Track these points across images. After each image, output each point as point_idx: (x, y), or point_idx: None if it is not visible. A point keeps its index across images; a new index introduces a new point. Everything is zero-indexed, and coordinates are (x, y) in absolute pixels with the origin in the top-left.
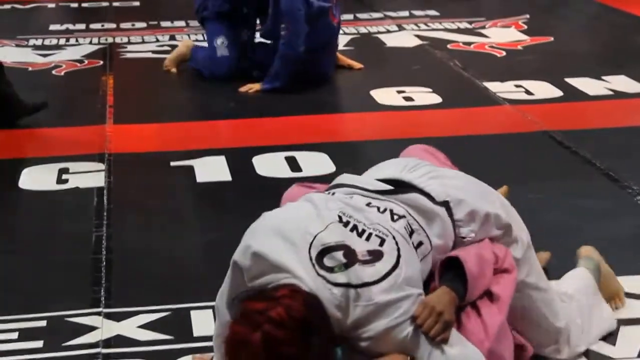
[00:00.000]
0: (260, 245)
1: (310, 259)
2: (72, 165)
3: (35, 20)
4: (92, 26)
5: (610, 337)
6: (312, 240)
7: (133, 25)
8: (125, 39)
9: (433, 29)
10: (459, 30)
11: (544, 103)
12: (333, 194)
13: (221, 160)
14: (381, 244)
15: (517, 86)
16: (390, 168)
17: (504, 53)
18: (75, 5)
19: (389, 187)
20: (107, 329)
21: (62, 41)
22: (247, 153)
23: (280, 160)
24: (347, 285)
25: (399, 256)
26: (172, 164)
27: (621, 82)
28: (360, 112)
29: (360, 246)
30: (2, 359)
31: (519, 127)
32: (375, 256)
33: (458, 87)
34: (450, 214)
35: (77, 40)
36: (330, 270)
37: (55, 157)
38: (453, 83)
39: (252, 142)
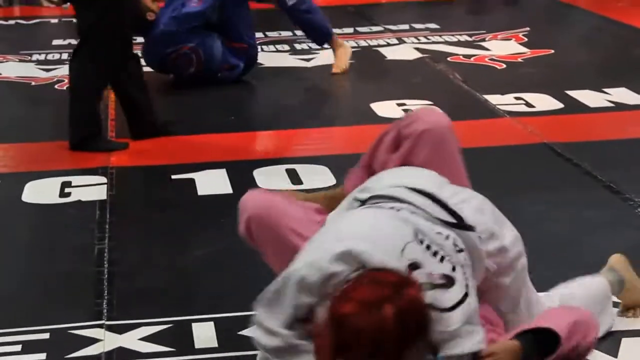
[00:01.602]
0: (357, 246)
1: (406, 268)
2: (75, 179)
3: (38, 36)
4: None
5: (612, 349)
6: (401, 253)
7: (134, 40)
8: None
9: (433, 42)
10: (459, 43)
11: (544, 115)
12: (398, 210)
13: (222, 173)
14: (453, 270)
15: (517, 98)
16: (421, 178)
17: (504, 65)
18: None
19: (450, 219)
20: (109, 341)
21: (65, 56)
22: (248, 166)
23: (281, 173)
24: (431, 307)
25: (467, 285)
26: (174, 177)
27: (622, 94)
28: (360, 125)
29: (436, 268)
30: None
31: (519, 139)
32: (449, 281)
33: (458, 100)
34: None
35: None
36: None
37: (57, 170)
38: (453, 96)
39: (252, 155)
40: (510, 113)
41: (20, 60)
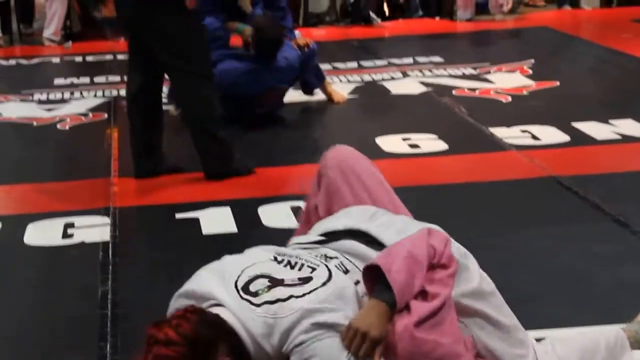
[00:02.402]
0: (193, 285)
1: (236, 286)
2: (78, 220)
3: (40, 75)
4: (97, 79)
5: None
6: (240, 274)
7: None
8: None
9: (437, 75)
10: (463, 76)
11: (551, 148)
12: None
13: (226, 212)
14: (312, 272)
15: (523, 131)
16: (353, 217)
17: (510, 98)
18: (79, 59)
19: (321, 237)
20: None
21: (67, 95)
22: (253, 204)
23: (286, 211)
24: (271, 302)
25: (330, 277)
26: (178, 216)
27: (629, 126)
28: None
29: (290, 275)
30: None
31: (526, 172)
32: (305, 280)
33: (464, 134)
34: None
35: (81, 94)
36: (255, 294)
37: (60, 211)
38: (459, 129)
39: (257, 193)
40: (517, 146)
41: (22, 100)
